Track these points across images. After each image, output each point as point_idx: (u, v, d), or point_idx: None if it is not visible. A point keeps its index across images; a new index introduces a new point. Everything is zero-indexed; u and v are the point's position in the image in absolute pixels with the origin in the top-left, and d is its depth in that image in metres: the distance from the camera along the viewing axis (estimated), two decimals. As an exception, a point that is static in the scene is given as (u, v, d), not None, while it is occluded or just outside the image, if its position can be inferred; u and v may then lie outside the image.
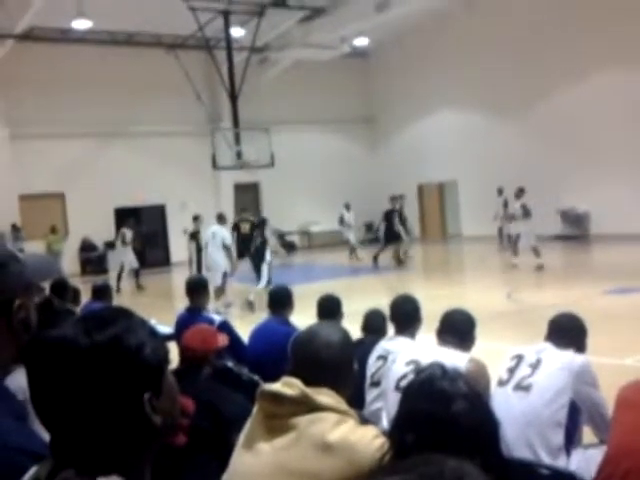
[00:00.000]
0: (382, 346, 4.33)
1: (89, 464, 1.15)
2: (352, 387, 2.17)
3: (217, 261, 12.97)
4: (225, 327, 5.63)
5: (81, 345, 1.16)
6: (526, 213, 15.71)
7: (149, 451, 1.24)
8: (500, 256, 18.72)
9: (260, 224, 13.94)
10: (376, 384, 4.20)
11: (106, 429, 1.16)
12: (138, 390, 1.18)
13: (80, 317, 1.27)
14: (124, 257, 17.58)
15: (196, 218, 16.34)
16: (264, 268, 13.08)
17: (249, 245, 13.55)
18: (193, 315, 5.92)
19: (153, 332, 1.26)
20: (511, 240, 16.40)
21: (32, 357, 1.20)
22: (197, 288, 6.34)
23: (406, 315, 4.48)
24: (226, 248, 12.97)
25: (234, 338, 5.75)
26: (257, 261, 13.32)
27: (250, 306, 12.35)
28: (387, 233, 18.21)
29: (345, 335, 2.20)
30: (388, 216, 18.39)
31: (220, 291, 12.92)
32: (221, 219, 13.93)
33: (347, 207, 20.93)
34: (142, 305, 12.86)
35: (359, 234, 27.07)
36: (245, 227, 14.06)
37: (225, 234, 13.15)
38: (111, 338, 1.17)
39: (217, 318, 5.95)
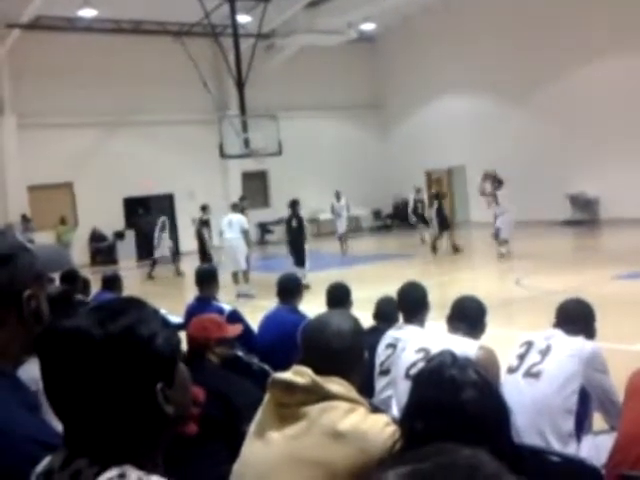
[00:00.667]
0: (391, 334, 4.33)
1: (102, 454, 1.16)
2: (363, 375, 2.17)
3: (239, 247, 13.49)
4: (235, 316, 5.64)
5: (94, 336, 1.16)
6: (496, 203, 16.08)
7: (161, 441, 1.25)
8: (512, 242, 18.64)
9: (292, 206, 14.23)
10: (385, 372, 4.20)
11: (119, 419, 1.17)
12: (151, 380, 1.19)
13: (93, 307, 1.27)
14: (167, 243, 18.15)
15: (204, 208, 16.43)
16: (306, 250, 13.58)
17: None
18: (203, 305, 5.94)
19: (165, 322, 1.26)
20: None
21: (46, 347, 1.20)
22: (207, 278, 6.35)
23: (414, 303, 4.47)
24: (244, 233, 13.58)
25: (244, 327, 5.77)
26: (294, 244, 13.74)
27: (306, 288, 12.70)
28: (440, 218, 17.77)
29: (356, 323, 2.21)
30: (436, 198, 18.17)
31: (245, 275, 13.53)
32: (235, 207, 14.59)
33: (337, 196, 20.75)
34: (151, 295, 12.89)
35: (369, 221, 27.13)
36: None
37: (242, 220, 13.74)
38: (124, 328, 1.18)
39: (227, 307, 5.96)
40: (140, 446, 1.20)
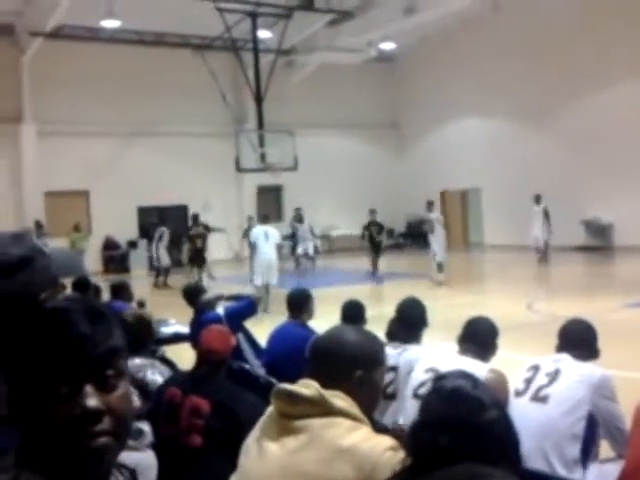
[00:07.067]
0: (392, 356, 4.09)
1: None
2: (375, 399, 2.11)
3: (273, 261, 13.12)
4: (231, 316, 5.80)
5: None
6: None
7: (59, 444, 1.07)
8: (524, 266, 18.57)
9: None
10: (391, 397, 4.11)
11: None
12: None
13: None
14: (160, 254, 18.32)
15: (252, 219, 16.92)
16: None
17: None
18: (202, 314, 6.09)
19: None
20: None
21: None
22: (195, 295, 6.46)
23: (415, 319, 4.39)
24: (278, 247, 13.48)
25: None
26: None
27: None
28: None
29: (366, 336, 2.15)
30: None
31: (267, 289, 12.99)
32: (266, 219, 14.64)
33: (299, 218, 20.97)
34: (163, 304, 12.91)
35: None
36: None
37: (277, 233, 13.44)
38: None
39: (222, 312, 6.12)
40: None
